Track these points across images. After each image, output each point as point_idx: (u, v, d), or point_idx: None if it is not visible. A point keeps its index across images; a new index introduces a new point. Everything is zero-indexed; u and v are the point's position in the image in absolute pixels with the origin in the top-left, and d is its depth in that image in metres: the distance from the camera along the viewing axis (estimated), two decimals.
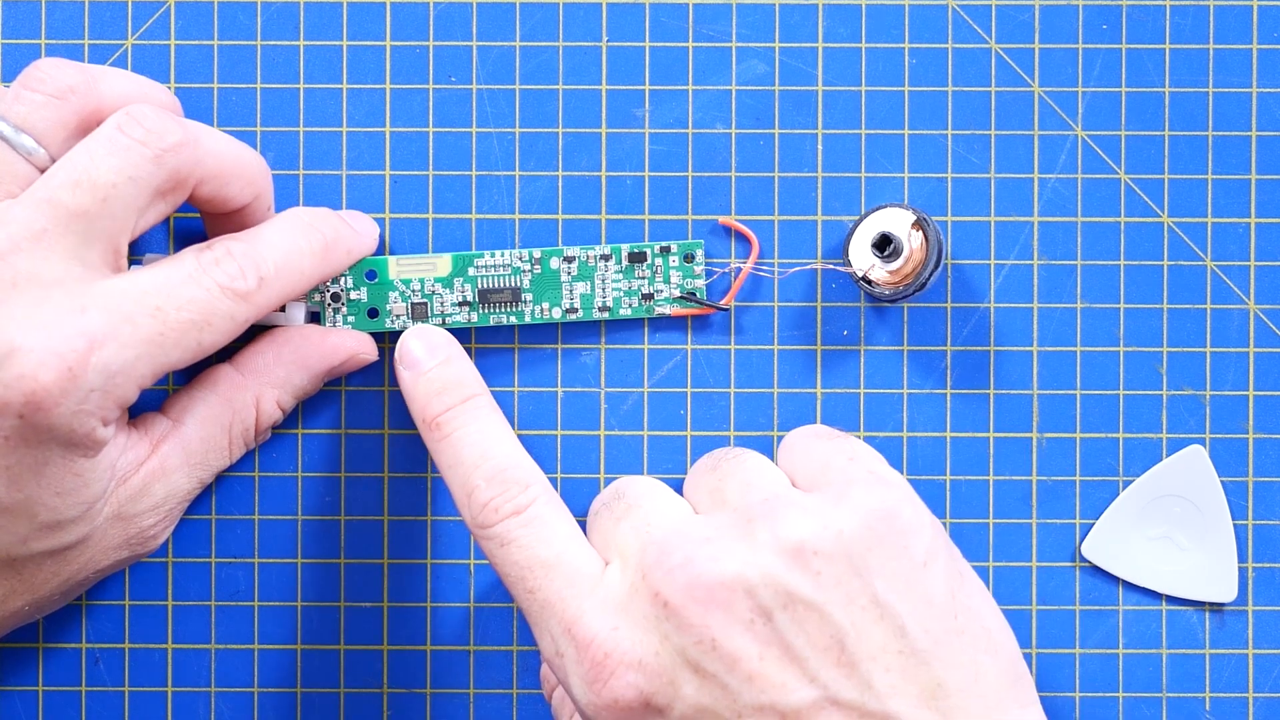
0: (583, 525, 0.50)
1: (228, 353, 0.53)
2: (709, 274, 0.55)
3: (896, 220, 0.53)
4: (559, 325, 0.55)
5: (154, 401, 0.53)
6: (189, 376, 0.53)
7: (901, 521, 0.46)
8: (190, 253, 0.49)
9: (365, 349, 0.54)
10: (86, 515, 0.48)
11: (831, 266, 0.55)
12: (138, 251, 0.55)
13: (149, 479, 0.50)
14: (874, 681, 0.44)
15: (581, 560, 0.48)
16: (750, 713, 0.44)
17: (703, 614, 0.45)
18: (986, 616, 0.46)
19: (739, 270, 0.55)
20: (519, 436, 0.55)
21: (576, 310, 0.54)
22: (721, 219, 0.55)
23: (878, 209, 0.54)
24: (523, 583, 0.48)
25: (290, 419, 0.55)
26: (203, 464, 0.52)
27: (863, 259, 0.54)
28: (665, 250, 0.54)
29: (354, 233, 0.53)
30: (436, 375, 0.51)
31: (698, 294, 0.54)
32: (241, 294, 0.49)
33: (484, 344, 0.55)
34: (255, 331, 0.53)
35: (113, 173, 0.48)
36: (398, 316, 0.54)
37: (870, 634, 0.45)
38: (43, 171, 0.49)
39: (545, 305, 0.54)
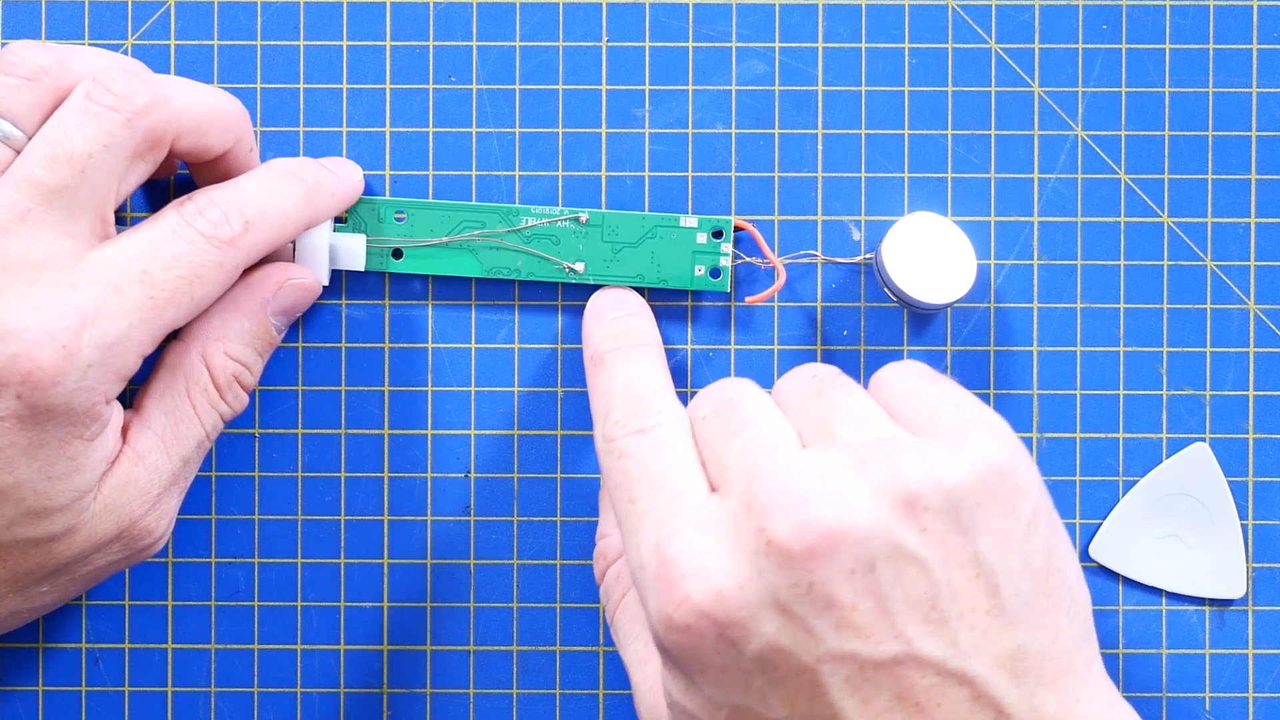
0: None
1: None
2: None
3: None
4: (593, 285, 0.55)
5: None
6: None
7: (1014, 478, 0.44)
8: (172, 208, 0.49)
9: (297, 274, 0.53)
10: (74, 505, 0.48)
11: (870, 262, 0.55)
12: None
13: (128, 466, 0.50)
14: (959, 640, 0.43)
15: (690, 482, 0.46)
16: (828, 659, 0.43)
17: (808, 557, 0.43)
18: (1072, 577, 0.45)
19: (770, 265, 0.55)
20: (518, 436, 0.55)
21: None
22: (736, 220, 0.54)
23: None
24: (627, 492, 0.46)
25: (290, 418, 0.55)
26: (176, 438, 0.51)
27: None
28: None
29: (336, 177, 0.53)
30: (616, 322, 0.52)
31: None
32: (227, 240, 0.49)
33: (483, 343, 0.55)
34: None
35: (88, 143, 0.48)
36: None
37: (963, 592, 0.43)
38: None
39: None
